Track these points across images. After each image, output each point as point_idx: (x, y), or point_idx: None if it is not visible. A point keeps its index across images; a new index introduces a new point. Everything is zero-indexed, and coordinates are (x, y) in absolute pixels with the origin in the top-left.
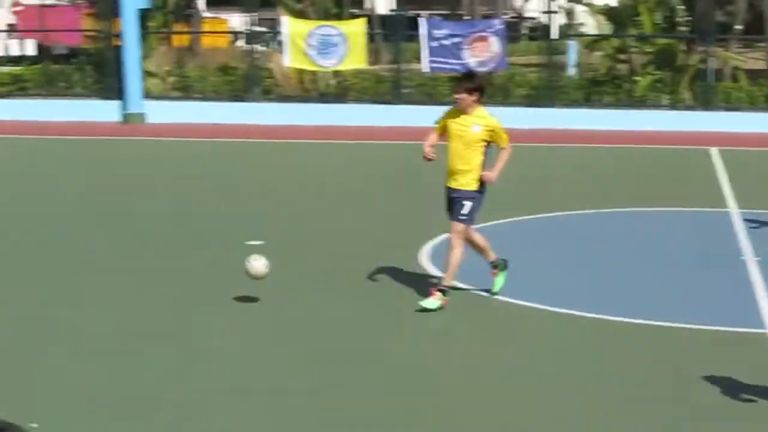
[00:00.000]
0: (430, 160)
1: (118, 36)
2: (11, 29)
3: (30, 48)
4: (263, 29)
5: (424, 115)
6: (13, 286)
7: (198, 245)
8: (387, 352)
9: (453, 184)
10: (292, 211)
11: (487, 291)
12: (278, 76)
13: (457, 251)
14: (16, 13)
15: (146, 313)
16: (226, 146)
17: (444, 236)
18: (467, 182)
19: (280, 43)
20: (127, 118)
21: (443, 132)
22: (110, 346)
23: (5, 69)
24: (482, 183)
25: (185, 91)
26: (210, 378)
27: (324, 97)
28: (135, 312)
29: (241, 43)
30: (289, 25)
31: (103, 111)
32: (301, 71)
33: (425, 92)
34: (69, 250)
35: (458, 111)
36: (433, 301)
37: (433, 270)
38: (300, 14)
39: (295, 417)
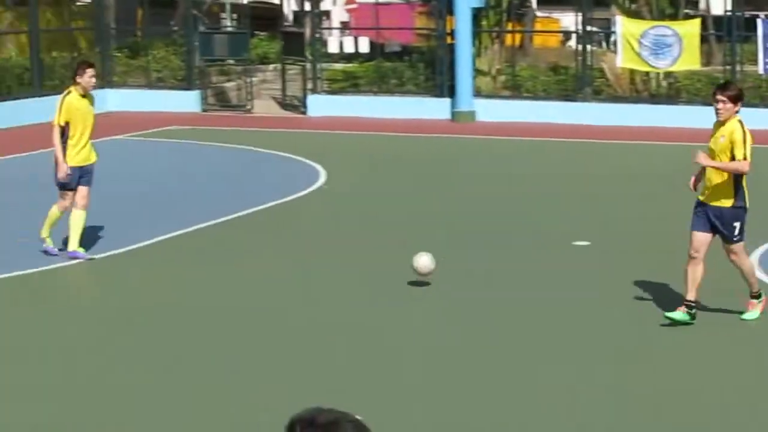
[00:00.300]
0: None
1: (451, 34)
2: (345, 27)
3: (363, 45)
4: (596, 29)
5: (761, 118)
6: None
7: (525, 245)
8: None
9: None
10: (617, 212)
11: None
12: (610, 76)
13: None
14: (350, 11)
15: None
16: (554, 146)
17: None
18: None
19: (612, 43)
20: (457, 116)
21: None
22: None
23: (339, 66)
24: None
25: (515, 89)
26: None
27: (655, 98)
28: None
29: (572, 42)
30: (622, 25)
31: (433, 108)
32: (632, 71)
33: (760, 94)
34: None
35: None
36: (752, 313)
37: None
38: (634, 14)
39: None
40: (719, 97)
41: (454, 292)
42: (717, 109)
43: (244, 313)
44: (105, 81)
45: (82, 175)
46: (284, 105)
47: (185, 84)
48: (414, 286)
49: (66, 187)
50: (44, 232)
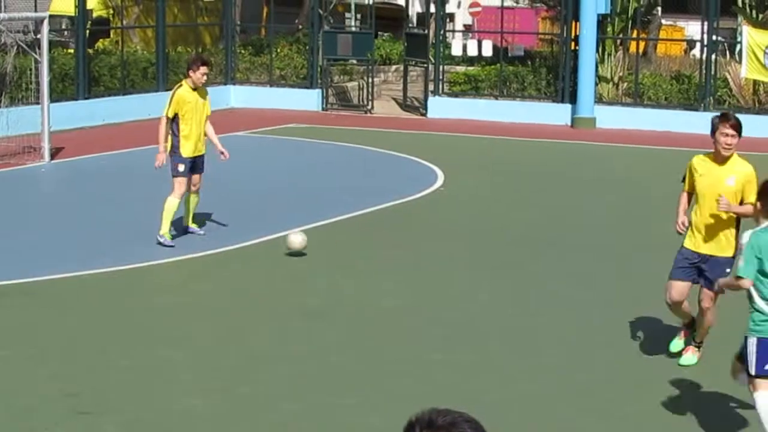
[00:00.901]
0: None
1: (575, 40)
2: (468, 30)
3: (487, 49)
4: (721, 38)
5: None
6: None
7: (642, 252)
8: None
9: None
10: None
11: None
12: (733, 87)
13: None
14: (473, 14)
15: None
16: (674, 155)
17: None
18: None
19: (737, 53)
20: (577, 122)
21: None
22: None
23: (461, 68)
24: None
25: (637, 97)
26: None
27: None
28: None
29: (695, 51)
30: (748, 36)
31: (554, 114)
32: (756, 83)
33: None
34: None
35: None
36: (691, 358)
37: None
38: (761, 25)
39: None
40: (730, 131)
41: (576, 294)
42: (726, 145)
43: (374, 311)
44: (228, 77)
45: (194, 164)
46: (405, 106)
47: (307, 83)
48: (532, 288)
49: (181, 174)
50: (163, 229)
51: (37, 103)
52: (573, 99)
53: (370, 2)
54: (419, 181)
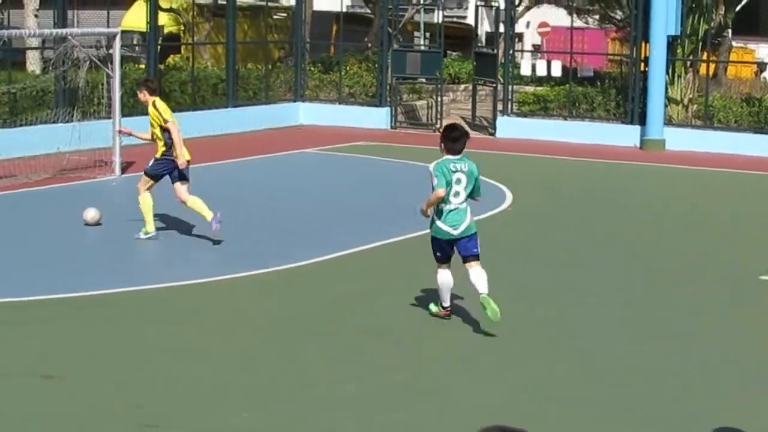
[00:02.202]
0: None
1: (645, 61)
2: (537, 50)
3: (556, 69)
4: None
5: None
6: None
7: (712, 278)
8: None
9: None
10: None
11: None
12: None
13: None
14: (543, 34)
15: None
16: (744, 178)
17: None
18: None
19: None
20: (646, 143)
21: None
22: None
23: (530, 89)
24: None
25: (707, 119)
26: None
27: None
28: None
29: (766, 74)
30: None
31: (622, 135)
32: None
33: None
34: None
35: None
36: None
37: None
38: None
39: None
40: None
41: (650, 318)
42: None
43: (437, 329)
44: (297, 95)
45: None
46: (473, 125)
47: (376, 100)
48: (600, 308)
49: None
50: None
51: (109, 118)
52: (642, 120)
53: (440, 21)
54: (487, 200)
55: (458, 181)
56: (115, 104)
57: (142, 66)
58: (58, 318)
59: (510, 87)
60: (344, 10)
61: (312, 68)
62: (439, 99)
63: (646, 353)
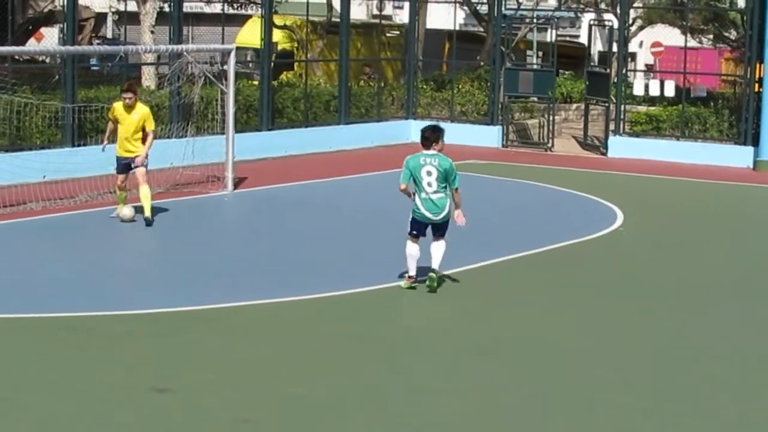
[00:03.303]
0: None
1: (759, 82)
2: (650, 69)
3: (669, 89)
4: None
5: None
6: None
7: None
8: None
9: None
10: None
11: None
12: None
13: None
14: (656, 54)
15: None
16: None
17: None
18: None
19: None
20: (759, 165)
21: None
22: None
23: (642, 108)
24: None
25: None
26: None
27: None
28: None
29: None
30: None
31: (735, 156)
32: None
33: None
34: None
35: None
36: None
37: None
38: None
39: None
40: None
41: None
42: None
43: (546, 350)
44: (409, 112)
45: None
46: (585, 145)
47: (488, 119)
48: (714, 335)
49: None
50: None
51: (222, 133)
52: (756, 141)
53: (552, 40)
54: (599, 220)
55: (429, 173)
56: (228, 120)
57: (256, 82)
58: (170, 333)
59: (622, 106)
60: (457, 28)
61: (424, 86)
62: (550, 118)
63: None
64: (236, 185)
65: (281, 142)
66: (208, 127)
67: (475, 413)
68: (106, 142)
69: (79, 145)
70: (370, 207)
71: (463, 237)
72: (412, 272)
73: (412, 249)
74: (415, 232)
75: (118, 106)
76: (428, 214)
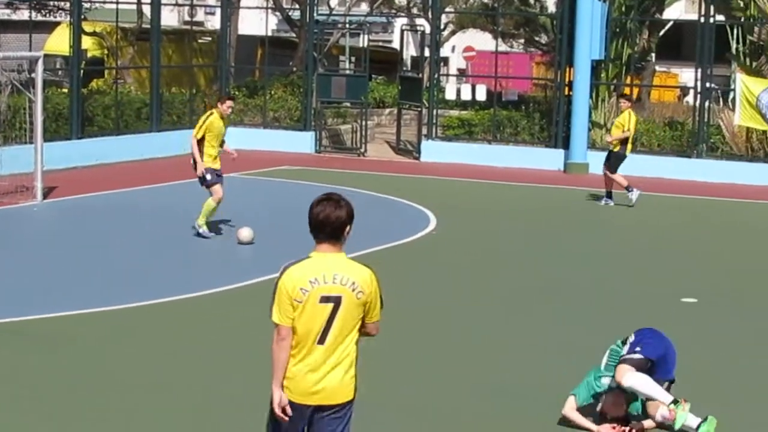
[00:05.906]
0: None
1: (569, 86)
2: (462, 74)
3: (480, 93)
4: (714, 86)
5: None
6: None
7: (633, 300)
8: None
9: None
10: (728, 270)
11: None
12: (726, 134)
13: None
14: (468, 58)
15: None
16: (667, 201)
17: None
18: None
19: (731, 100)
20: (570, 167)
21: None
22: None
23: (454, 113)
24: None
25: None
26: None
27: None
28: None
29: (689, 98)
30: (742, 83)
31: (546, 159)
32: (749, 130)
33: None
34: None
35: None
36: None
37: None
38: (755, 73)
39: None
40: None
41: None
42: None
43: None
44: None
45: (219, 174)
46: (398, 149)
47: (301, 125)
48: (522, 337)
49: (213, 184)
50: (201, 221)
51: (31, 143)
52: (566, 144)
53: (365, 45)
54: (412, 224)
55: None
56: (37, 129)
57: (65, 90)
58: None
59: (435, 111)
60: (269, 34)
61: (237, 92)
62: (364, 123)
63: None
64: (46, 195)
65: (92, 150)
66: (15, 136)
67: None
68: None
69: None
70: (185, 214)
71: (273, 246)
72: None
73: None
74: None
75: (214, 120)
76: None
